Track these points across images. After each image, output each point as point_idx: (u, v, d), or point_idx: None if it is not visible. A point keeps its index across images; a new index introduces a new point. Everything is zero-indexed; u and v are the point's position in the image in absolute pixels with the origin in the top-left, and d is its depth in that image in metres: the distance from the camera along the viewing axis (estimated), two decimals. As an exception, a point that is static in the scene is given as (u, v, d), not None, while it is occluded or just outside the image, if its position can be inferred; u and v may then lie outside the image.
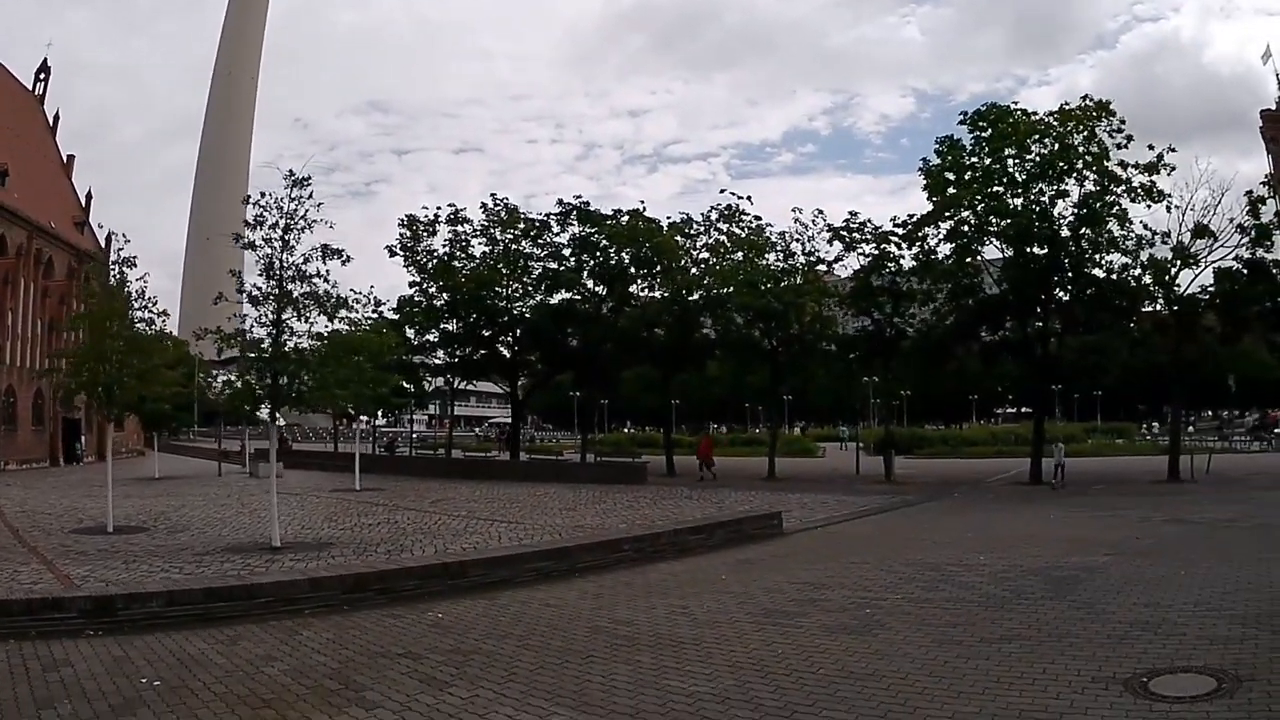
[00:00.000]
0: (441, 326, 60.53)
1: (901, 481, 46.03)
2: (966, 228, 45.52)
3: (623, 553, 20.50)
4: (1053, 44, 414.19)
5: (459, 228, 59.20)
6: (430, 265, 59.26)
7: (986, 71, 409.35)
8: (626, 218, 57.03)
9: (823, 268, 53.56)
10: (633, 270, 56.94)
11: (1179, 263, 42.84)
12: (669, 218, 58.40)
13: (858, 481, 46.77)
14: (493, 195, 63.13)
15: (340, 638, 13.26)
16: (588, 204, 58.11)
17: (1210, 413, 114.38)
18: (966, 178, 44.70)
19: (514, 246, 58.90)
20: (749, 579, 18.07)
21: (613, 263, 56.57)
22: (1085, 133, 43.36)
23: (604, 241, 56.63)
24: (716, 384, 78.55)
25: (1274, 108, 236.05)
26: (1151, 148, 43.38)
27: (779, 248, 53.74)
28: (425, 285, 59.76)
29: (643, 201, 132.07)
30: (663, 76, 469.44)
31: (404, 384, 55.88)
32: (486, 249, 59.45)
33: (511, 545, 22.12)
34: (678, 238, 56.62)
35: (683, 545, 22.04)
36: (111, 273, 28.81)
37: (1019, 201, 44.15)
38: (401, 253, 59.61)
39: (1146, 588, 15.62)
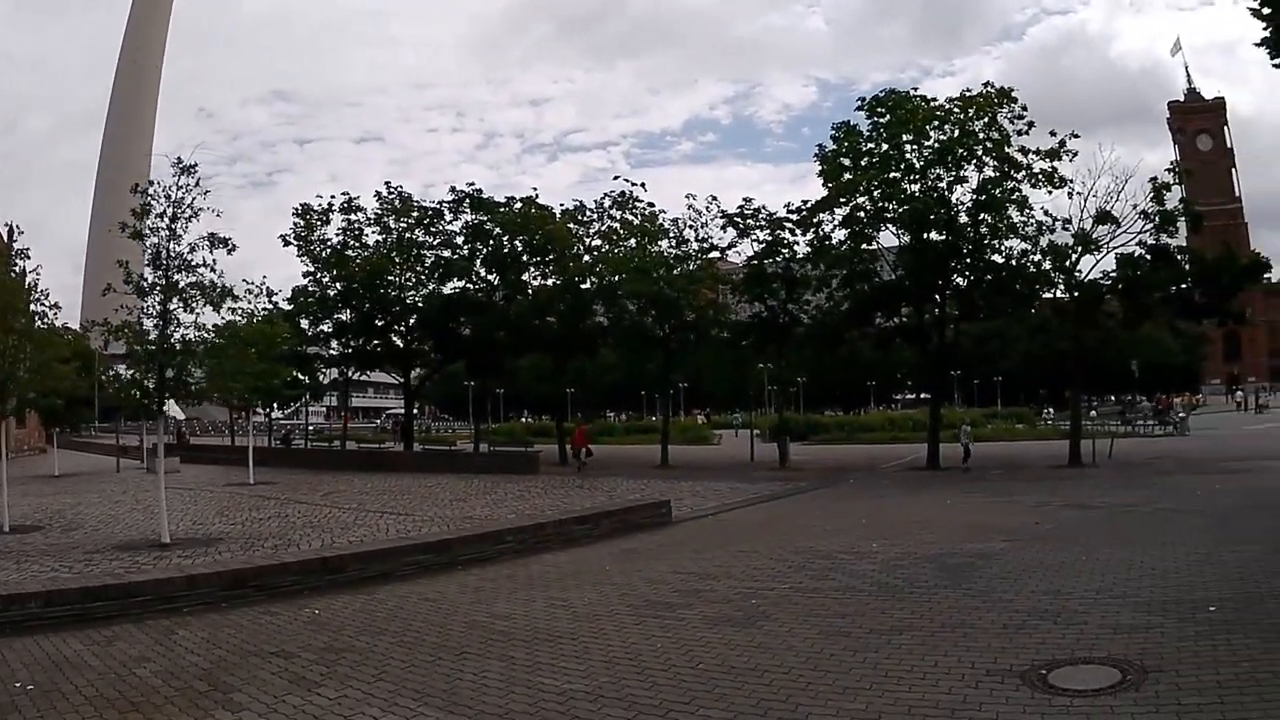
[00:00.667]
0: (335, 317, 59.80)
1: (796, 468, 45.87)
2: (862, 214, 45.19)
3: (505, 544, 20.08)
4: (958, 35, 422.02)
5: (352, 216, 58.46)
6: (324, 254, 58.47)
7: (891, 61, 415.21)
8: (520, 205, 56.64)
9: (716, 254, 53.34)
10: (525, 258, 56.48)
11: (1080, 249, 42.64)
12: (562, 205, 58.12)
13: (752, 468, 46.67)
14: (387, 183, 62.37)
15: (215, 637, 12.89)
16: (480, 191, 57.62)
17: (1113, 398, 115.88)
18: (863, 164, 44.27)
19: (408, 235, 58.42)
20: (632, 570, 17.73)
21: (505, 251, 56.15)
22: (986, 119, 43.12)
23: (497, 229, 56.21)
24: (612, 372, 78.40)
25: (1182, 99, 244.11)
26: (1054, 134, 43.36)
27: (672, 234, 53.44)
28: (319, 275, 58.93)
29: (535, 188, 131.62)
30: (566, 65, 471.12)
31: (298, 375, 54.81)
32: (380, 237, 58.84)
33: (392, 538, 21.92)
34: (571, 225, 56.14)
35: (568, 536, 21.69)
36: (10, 266, 27.66)
37: (916, 187, 43.85)
38: (295, 242, 58.68)
39: (1045, 575, 15.26)
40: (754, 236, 50.29)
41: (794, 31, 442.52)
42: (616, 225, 55.21)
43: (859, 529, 22.64)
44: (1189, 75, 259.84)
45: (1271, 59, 23.69)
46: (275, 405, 68.00)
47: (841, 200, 45.28)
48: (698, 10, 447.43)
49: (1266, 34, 23.29)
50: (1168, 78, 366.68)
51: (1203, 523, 21.11)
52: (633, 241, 53.57)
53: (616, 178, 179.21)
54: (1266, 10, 22.88)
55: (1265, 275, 48.64)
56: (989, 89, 43.69)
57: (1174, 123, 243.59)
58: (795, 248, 49.49)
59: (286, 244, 58.62)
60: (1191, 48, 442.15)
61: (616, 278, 52.12)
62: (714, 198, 52.12)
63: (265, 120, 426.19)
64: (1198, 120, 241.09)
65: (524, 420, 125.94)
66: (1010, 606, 12.93)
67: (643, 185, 55.08)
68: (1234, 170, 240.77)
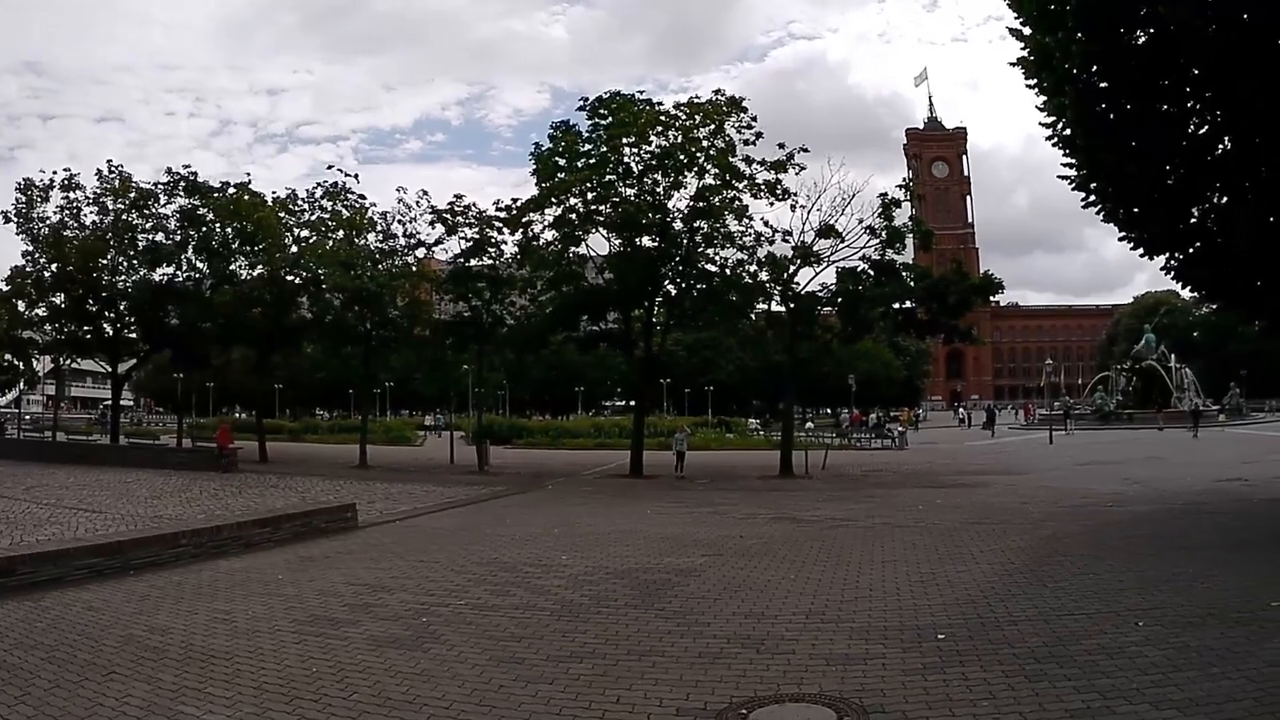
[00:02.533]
0: (49, 300, 57.67)
1: (495, 472, 45.35)
2: (574, 215, 44.30)
3: (181, 548, 18.77)
4: (697, 53, 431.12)
5: (72, 194, 56.13)
6: (42, 234, 56.10)
7: (627, 74, 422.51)
8: (233, 190, 55.42)
9: (423, 251, 52.75)
10: (236, 246, 55.29)
11: (800, 261, 42.68)
12: (274, 193, 57.09)
13: (450, 471, 46.10)
14: (109, 161, 59.63)
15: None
16: (195, 174, 56.18)
17: (829, 410, 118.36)
18: (579, 164, 43.35)
19: (124, 217, 56.29)
20: (305, 580, 16.53)
21: (216, 238, 54.92)
22: (712, 125, 42.59)
23: (209, 215, 54.88)
24: (320, 369, 76.87)
25: (920, 127, 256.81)
26: (782, 146, 43.14)
27: (380, 228, 52.93)
28: (37, 256, 56.65)
29: (249, 174, 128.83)
30: (306, 56, 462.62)
31: (11, 360, 51.88)
32: (98, 219, 56.73)
33: (62, 539, 20.38)
34: (281, 214, 55.16)
35: (247, 540, 20.43)
36: None
37: (632, 191, 43.27)
38: (15, 219, 56.10)
39: (749, 595, 14.35)
40: (462, 234, 49.59)
41: (534, 39, 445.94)
42: (326, 216, 54.43)
43: (551, 539, 21.76)
44: (932, 105, 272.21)
45: (1026, 79, 23.98)
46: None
47: (553, 200, 44.17)
48: (441, 10, 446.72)
49: (1024, 53, 23.32)
50: (905, 108, 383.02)
51: (925, 539, 20.39)
52: (341, 233, 52.83)
53: (330, 167, 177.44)
54: (1027, 30, 23.07)
55: (994, 298, 49.70)
56: (719, 96, 43.23)
57: (911, 149, 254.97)
58: (503, 247, 48.94)
59: (7, 220, 56.06)
60: (937, 80, 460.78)
61: (322, 271, 51.24)
62: (424, 192, 51.75)
63: (14, 92, 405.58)
64: (936, 148, 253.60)
65: (237, 415, 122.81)
66: (708, 631, 12.03)
67: (356, 177, 54.43)
68: (969, 198, 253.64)
